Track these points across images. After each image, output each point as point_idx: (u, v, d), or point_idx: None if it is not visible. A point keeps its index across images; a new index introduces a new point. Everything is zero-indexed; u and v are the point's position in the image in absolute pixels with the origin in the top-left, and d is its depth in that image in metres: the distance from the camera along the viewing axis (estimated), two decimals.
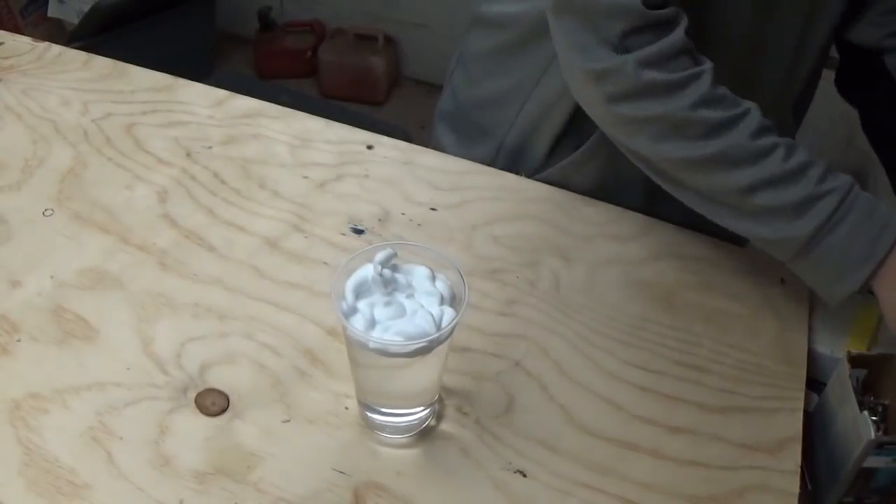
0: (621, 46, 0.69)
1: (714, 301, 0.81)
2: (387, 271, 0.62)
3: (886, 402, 0.71)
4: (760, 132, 0.70)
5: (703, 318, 0.79)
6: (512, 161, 0.96)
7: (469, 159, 0.96)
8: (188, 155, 0.92)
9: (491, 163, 0.95)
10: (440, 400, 0.70)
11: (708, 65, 0.70)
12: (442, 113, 1.07)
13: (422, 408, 0.67)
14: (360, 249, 0.63)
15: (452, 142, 1.04)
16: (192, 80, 1.03)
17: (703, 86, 0.69)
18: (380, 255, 0.62)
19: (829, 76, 2.23)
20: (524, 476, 0.66)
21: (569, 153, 0.91)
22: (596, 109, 0.75)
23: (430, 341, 0.60)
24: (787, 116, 0.94)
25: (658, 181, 0.76)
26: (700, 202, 0.74)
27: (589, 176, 0.92)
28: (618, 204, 0.90)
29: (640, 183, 0.84)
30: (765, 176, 0.69)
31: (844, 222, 0.68)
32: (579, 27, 0.70)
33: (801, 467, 0.69)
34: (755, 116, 0.71)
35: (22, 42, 1.06)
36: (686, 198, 0.75)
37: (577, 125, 0.86)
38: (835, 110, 2.39)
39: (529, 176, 0.93)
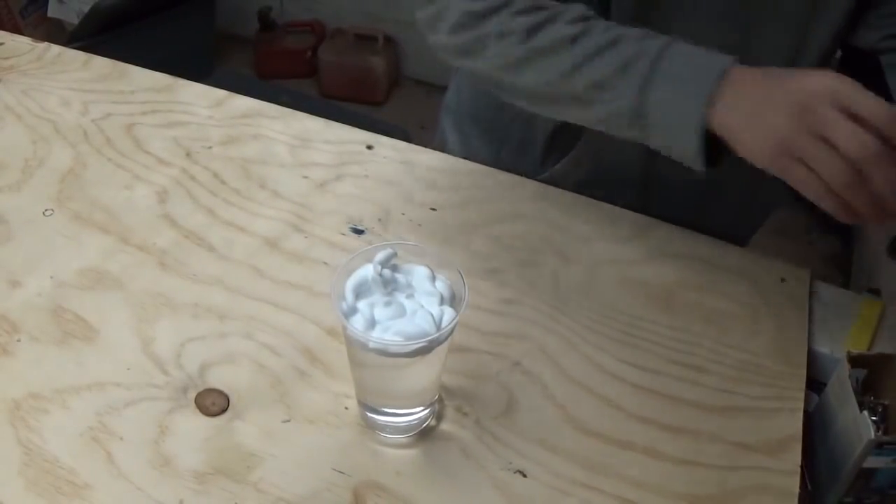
0: None
1: (714, 301, 0.81)
2: (387, 271, 0.62)
3: (886, 402, 0.71)
4: (577, 19, 0.72)
5: (702, 318, 0.79)
6: (515, 158, 0.96)
7: (472, 157, 0.96)
8: (188, 155, 0.92)
9: (494, 161, 0.95)
10: (440, 400, 0.70)
11: None
12: (447, 108, 1.06)
13: (422, 408, 0.67)
14: (360, 249, 0.63)
15: (456, 139, 1.04)
16: (192, 80, 1.03)
17: (518, 3, 0.74)
18: (380, 255, 0.62)
19: None
20: (524, 476, 0.66)
21: (566, 149, 0.91)
22: (441, 51, 0.81)
23: (430, 341, 0.60)
24: None
25: (504, 97, 0.80)
26: (539, 102, 0.77)
27: (583, 175, 0.92)
28: (614, 201, 0.90)
29: (634, 179, 0.84)
30: (584, 53, 0.71)
31: (666, 73, 0.67)
32: None
33: (801, 467, 0.69)
34: (575, 8, 0.73)
35: (22, 42, 1.06)
36: (530, 104, 0.79)
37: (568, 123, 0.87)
38: None
39: (531, 176, 0.93)
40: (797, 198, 0.69)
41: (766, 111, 0.62)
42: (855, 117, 0.57)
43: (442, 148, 1.02)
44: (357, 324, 0.60)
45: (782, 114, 0.60)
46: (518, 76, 0.76)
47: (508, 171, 0.94)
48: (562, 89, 0.73)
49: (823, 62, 0.86)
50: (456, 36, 0.77)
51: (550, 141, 0.93)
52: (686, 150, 0.68)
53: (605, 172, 0.91)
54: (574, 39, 0.72)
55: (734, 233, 0.93)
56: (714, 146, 0.68)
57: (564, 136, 0.92)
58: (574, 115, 0.76)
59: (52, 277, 0.77)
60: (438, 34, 0.79)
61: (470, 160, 0.95)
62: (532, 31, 0.73)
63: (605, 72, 0.70)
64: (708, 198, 0.94)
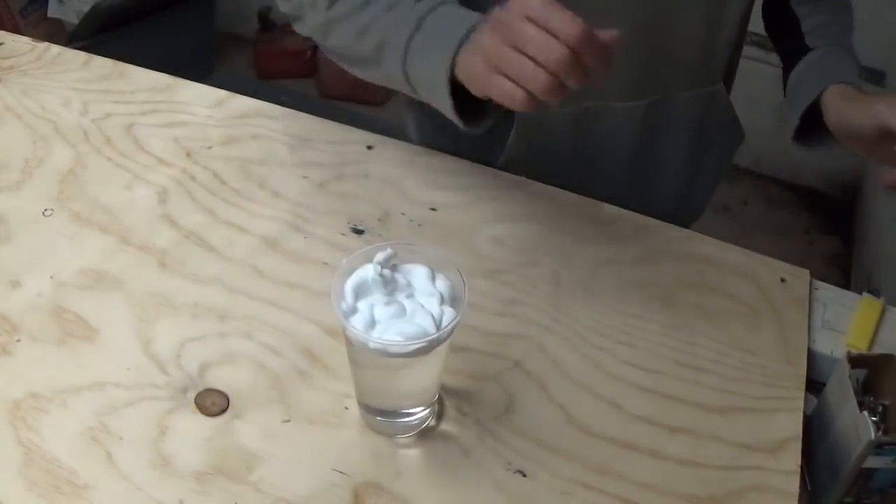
0: None
1: (714, 301, 0.81)
2: (387, 271, 0.62)
3: (886, 402, 0.71)
4: None
5: (703, 318, 0.79)
6: (474, 148, 0.94)
7: (433, 145, 0.95)
8: (188, 155, 0.92)
9: (455, 150, 0.94)
10: (440, 400, 0.70)
11: None
12: (406, 102, 1.04)
13: (422, 408, 0.67)
14: (360, 249, 0.63)
15: (415, 128, 1.04)
16: (192, 80, 1.03)
17: None
18: (380, 256, 0.62)
19: None
20: (524, 476, 0.66)
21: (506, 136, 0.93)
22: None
23: (430, 341, 0.60)
24: (716, 66, 0.93)
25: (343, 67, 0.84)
26: (346, 63, 0.83)
27: (524, 159, 0.93)
28: (559, 183, 0.91)
29: (568, 159, 0.89)
30: (365, 21, 0.76)
31: (418, 45, 0.72)
32: None
33: (801, 467, 0.69)
34: None
35: (22, 42, 1.06)
36: (342, 64, 0.84)
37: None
38: None
39: (491, 165, 0.93)
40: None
41: (473, 38, 0.67)
42: (547, 30, 0.61)
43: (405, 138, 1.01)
44: (357, 324, 0.60)
45: (485, 35, 0.64)
46: (326, 40, 0.82)
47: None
48: (354, 54, 0.80)
49: (743, 25, 0.91)
50: (285, 4, 0.84)
51: (498, 129, 0.90)
52: (446, 111, 0.72)
53: (542, 154, 0.92)
54: (360, 7, 0.77)
55: (680, 209, 0.98)
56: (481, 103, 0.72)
57: (505, 124, 0.91)
58: (372, 76, 0.80)
59: (52, 277, 0.77)
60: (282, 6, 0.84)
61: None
62: (330, 5, 0.79)
63: (381, 38, 0.75)
64: (644, 174, 0.96)
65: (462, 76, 0.69)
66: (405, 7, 0.74)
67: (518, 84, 0.62)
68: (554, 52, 0.60)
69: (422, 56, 0.72)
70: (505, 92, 0.63)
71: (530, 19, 0.61)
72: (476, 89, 0.67)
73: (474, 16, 0.70)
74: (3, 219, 0.83)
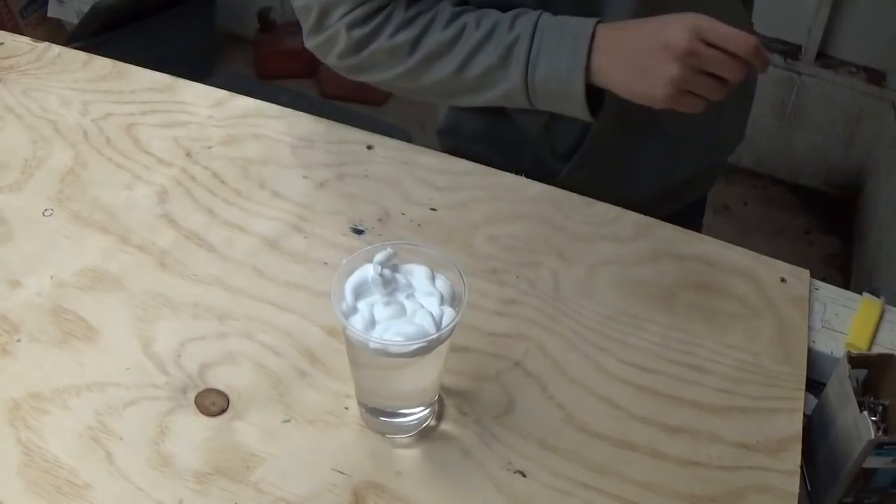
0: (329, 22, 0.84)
1: (714, 301, 0.81)
2: (387, 271, 0.62)
3: (886, 402, 0.71)
4: (450, 20, 0.81)
5: (702, 318, 0.79)
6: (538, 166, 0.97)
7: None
8: (188, 155, 0.92)
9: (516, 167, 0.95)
10: (440, 400, 0.70)
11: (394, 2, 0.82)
12: (442, 132, 1.05)
13: (422, 408, 0.67)
14: (360, 249, 0.63)
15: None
16: (192, 80, 1.03)
17: (396, 18, 0.82)
18: (380, 255, 0.62)
19: (829, 76, 2.24)
20: (524, 476, 0.66)
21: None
22: (336, 70, 0.90)
23: (430, 341, 0.60)
24: None
25: (407, 96, 0.90)
26: (442, 95, 0.87)
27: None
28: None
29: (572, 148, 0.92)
30: (465, 52, 0.80)
31: (542, 52, 0.77)
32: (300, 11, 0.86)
33: (801, 467, 0.69)
34: (445, 11, 0.82)
35: (22, 42, 1.06)
36: (434, 98, 0.89)
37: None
38: (835, 110, 2.40)
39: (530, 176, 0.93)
40: None
41: (652, 64, 0.72)
42: (723, 49, 0.70)
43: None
44: (357, 324, 0.60)
45: (669, 64, 0.71)
46: (414, 83, 0.85)
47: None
48: (455, 86, 0.83)
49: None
50: (347, 60, 0.86)
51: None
52: (575, 110, 0.79)
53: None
54: (453, 42, 0.81)
55: (697, 181, 1.03)
56: (595, 96, 0.79)
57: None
58: (471, 102, 0.85)
59: (52, 277, 0.77)
60: (331, 58, 0.88)
61: None
62: (414, 43, 0.82)
63: (490, 63, 0.80)
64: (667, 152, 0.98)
65: (607, 86, 0.77)
66: (504, 28, 0.79)
67: (691, 77, 0.71)
68: (737, 70, 0.70)
69: (547, 65, 0.77)
70: (689, 104, 0.73)
71: (706, 41, 0.70)
72: (656, 104, 0.74)
73: (589, 22, 0.77)
74: (3, 219, 0.83)
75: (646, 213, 0.90)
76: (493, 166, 0.94)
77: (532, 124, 0.93)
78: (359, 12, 0.82)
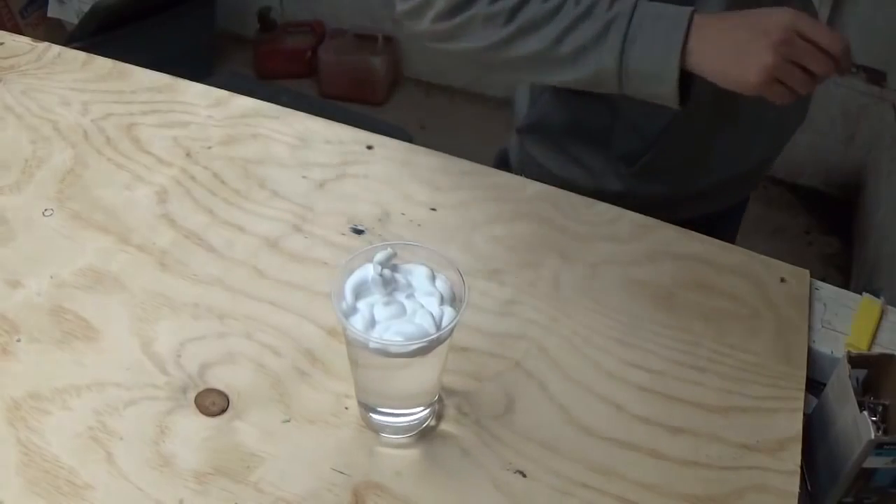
0: None
1: (714, 301, 0.81)
2: (387, 271, 0.62)
3: (886, 402, 0.71)
4: None
5: (703, 318, 0.79)
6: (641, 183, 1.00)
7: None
8: (188, 155, 0.92)
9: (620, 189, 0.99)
10: (440, 400, 0.70)
11: None
12: (527, 129, 1.06)
13: (422, 408, 0.67)
14: (360, 249, 0.63)
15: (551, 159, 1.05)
16: (192, 80, 1.03)
17: None
18: (380, 255, 0.62)
19: None
20: (524, 476, 0.66)
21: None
22: (422, 36, 0.88)
23: (430, 341, 0.60)
24: None
25: (491, 72, 0.89)
26: (529, 70, 0.85)
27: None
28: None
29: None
30: (563, 26, 0.80)
31: (640, 33, 0.78)
32: None
33: (801, 467, 0.69)
34: None
35: (22, 42, 1.06)
36: (519, 73, 0.90)
37: None
38: (835, 110, 2.40)
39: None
40: None
41: (748, 51, 0.75)
42: (817, 45, 0.74)
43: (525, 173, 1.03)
44: (357, 324, 0.60)
45: (765, 51, 0.74)
46: (505, 52, 0.83)
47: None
48: (545, 61, 0.82)
49: None
50: (441, 23, 0.84)
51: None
52: (664, 96, 0.80)
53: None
54: (552, 15, 0.80)
55: (755, 172, 1.09)
56: (683, 85, 0.79)
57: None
58: (556, 78, 0.84)
59: (52, 277, 0.77)
60: (423, 23, 0.85)
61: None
62: (512, 13, 0.81)
63: (586, 39, 0.79)
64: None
65: (701, 72, 0.78)
66: (603, 7, 0.79)
67: (783, 66, 0.75)
68: (827, 66, 0.74)
69: (643, 46, 0.78)
70: (778, 94, 0.76)
71: (801, 35, 0.74)
72: (746, 90, 0.77)
73: (686, 10, 0.78)
74: (3, 219, 0.83)
75: (701, 209, 0.99)
76: (576, 157, 0.99)
77: (623, 105, 0.94)
78: None
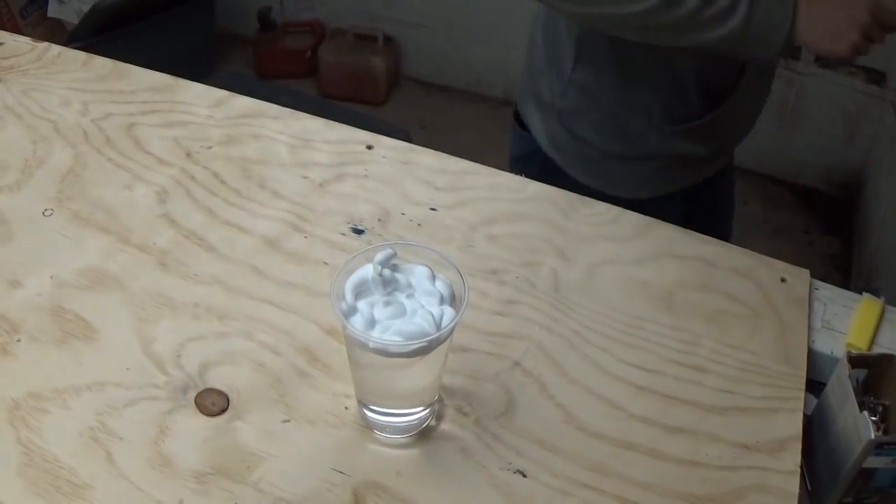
0: None
1: (714, 301, 0.81)
2: (387, 271, 0.62)
3: (886, 402, 0.71)
4: None
5: (703, 318, 0.79)
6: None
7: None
8: (188, 155, 0.92)
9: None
10: (440, 400, 0.70)
11: None
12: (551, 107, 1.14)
13: (422, 408, 0.67)
14: (360, 249, 0.63)
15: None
16: (192, 80, 1.03)
17: None
18: (380, 255, 0.62)
19: (829, 76, 2.23)
20: (524, 476, 0.66)
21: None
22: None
23: (430, 341, 0.60)
24: None
25: (620, 33, 0.98)
26: (667, 34, 0.95)
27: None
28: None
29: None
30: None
31: (762, 4, 0.92)
32: None
33: (801, 467, 0.69)
34: None
35: (22, 42, 1.06)
36: (653, 37, 0.97)
37: None
38: (835, 110, 2.40)
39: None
40: None
41: (840, 29, 0.92)
42: (884, 24, 0.91)
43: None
44: (357, 324, 0.60)
45: (853, 31, 0.91)
46: (655, 19, 0.92)
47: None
48: (690, 24, 0.92)
49: None
50: None
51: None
52: (767, 56, 0.96)
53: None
54: None
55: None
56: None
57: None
58: (689, 43, 0.95)
59: (52, 277, 0.77)
60: None
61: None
62: None
63: (723, 7, 0.91)
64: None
65: (804, 37, 0.92)
66: None
67: (864, 43, 0.92)
68: (884, 40, 0.92)
69: (764, 15, 0.92)
70: (856, 44, 0.92)
71: (878, 19, 0.91)
72: (839, 52, 0.93)
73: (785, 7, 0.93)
74: (3, 219, 0.83)
75: (716, 166, 1.16)
76: (619, 124, 1.09)
77: (690, 69, 1.05)
78: None
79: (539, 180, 0.96)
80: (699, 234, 0.88)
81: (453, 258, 0.65)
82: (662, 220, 0.91)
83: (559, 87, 1.11)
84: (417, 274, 0.63)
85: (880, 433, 0.66)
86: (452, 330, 0.61)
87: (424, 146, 0.97)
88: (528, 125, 1.18)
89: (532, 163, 1.17)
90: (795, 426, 0.71)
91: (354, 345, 0.62)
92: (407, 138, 0.97)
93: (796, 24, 0.92)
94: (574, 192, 0.95)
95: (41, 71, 1.02)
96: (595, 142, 1.12)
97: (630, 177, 1.14)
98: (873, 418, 0.67)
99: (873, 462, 0.67)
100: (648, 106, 1.08)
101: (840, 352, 0.77)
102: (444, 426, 0.69)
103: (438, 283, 0.63)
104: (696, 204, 1.18)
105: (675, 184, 1.16)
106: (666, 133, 1.09)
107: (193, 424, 0.67)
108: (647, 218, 0.89)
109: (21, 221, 0.83)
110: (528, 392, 0.72)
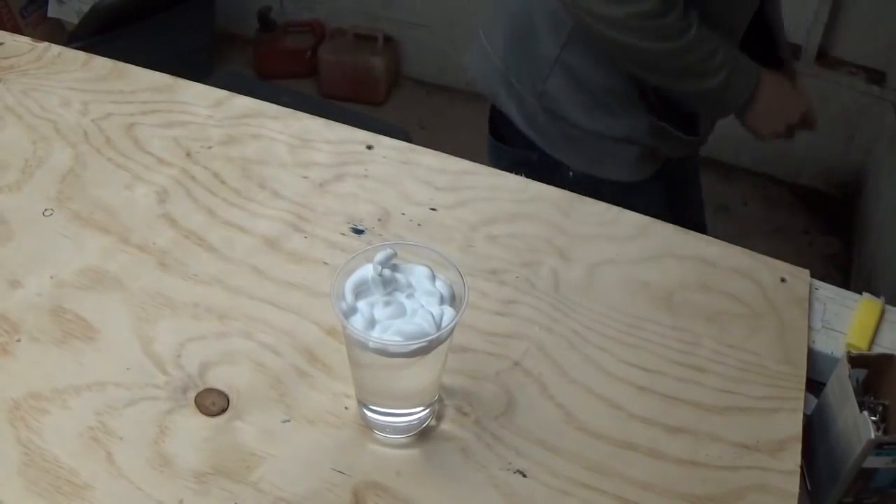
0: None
1: (714, 301, 0.81)
2: (387, 271, 0.62)
3: (886, 402, 0.71)
4: (708, 46, 1.10)
5: (703, 318, 0.79)
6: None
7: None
8: (188, 155, 0.92)
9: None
10: (440, 400, 0.70)
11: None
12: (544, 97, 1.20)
13: (422, 408, 0.67)
14: (360, 249, 0.63)
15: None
16: (192, 80, 1.03)
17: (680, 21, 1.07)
18: (380, 255, 0.62)
19: (829, 76, 2.23)
20: (524, 476, 0.66)
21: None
22: (611, 20, 1.07)
23: (430, 341, 0.60)
24: None
25: (629, 65, 1.13)
26: (672, 77, 1.12)
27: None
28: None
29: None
30: (716, 48, 1.10)
31: (737, 74, 1.12)
32: None
33: (801, 467, 0.69)
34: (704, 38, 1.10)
35: (22, 42, 1.06)
36: (659, 77, 1.13)
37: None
38: (835, 110, 2.40)
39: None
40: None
41: (772, 119, 1.17)
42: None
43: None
44: (357, 323, 0.60)
45: (781, 125, 1.18)
46: (667, 63, 1.09)
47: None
48: (703, 64, 1.10)
49: None
50: (640, 21, 1.04)
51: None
52: (724, 115, 1.19)
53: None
54: (711, 55, 1.10)
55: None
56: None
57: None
58: (692, 84, 1.12)
59: (52, 277, 0.77)
60: (626, 8, 1.04)
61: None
62: (692, 45, 1.08)
63: (724, 60, 1.10)
64: None
65: (751, 109, 1.15)
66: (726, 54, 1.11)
67: (785, 134, 1.18)
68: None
69: (739, 80, 1.13)
70: (779, 134, 1.19)
71: (804, 118, 1.19)
72: (762, 114, 1.16)
73: (758, 69, 1.14)
74: (3, 219, 0.83)
75: (694, 150, 1.30)
76: (606, 103, 1.17)
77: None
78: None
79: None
80: (699, 234, 0.88)
81: (453, 258, 0.65)
82: (645, 202, 0.98)
83: (543, 70, 1.16)
84: (417, 274, 0.63)
85: (880, 433, 0.66)
86: (452, 330, 0.61)
87: (424, 146, 0.97)
88: (504, 110, 1.24)
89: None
90: (795, 426, 0.71)
91: (354, 345, 0.62)
92: (407, 138, 0.97)
93: (750, 106, 1.14)
94: (555, 172, 1.15)
95: (41, 71, 1.02)
96: (581, 122, 1.18)
97: (613, 156, 1.20)
98: (873, 418, 0.67)
99: (873, 462, 0.67)
100: (640, 84, 1.15)
101: (840, 352, 0.77)
102: (444, 426, 0.69)
103: (438, 283, 0.63)
104: (673, 188, 1.27)
105: (657, 162, 1.23)
106: (654, 114, 1.17)
107: (193, 424, 0.67)
108: (647, 218, 0.89)
109: (21, 221, 0.83)
110: (528, 392, 0.72)
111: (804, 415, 0.72)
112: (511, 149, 1.27)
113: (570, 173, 1.21)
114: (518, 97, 1.21)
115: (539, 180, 1.11)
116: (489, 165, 1.24)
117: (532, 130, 1.21)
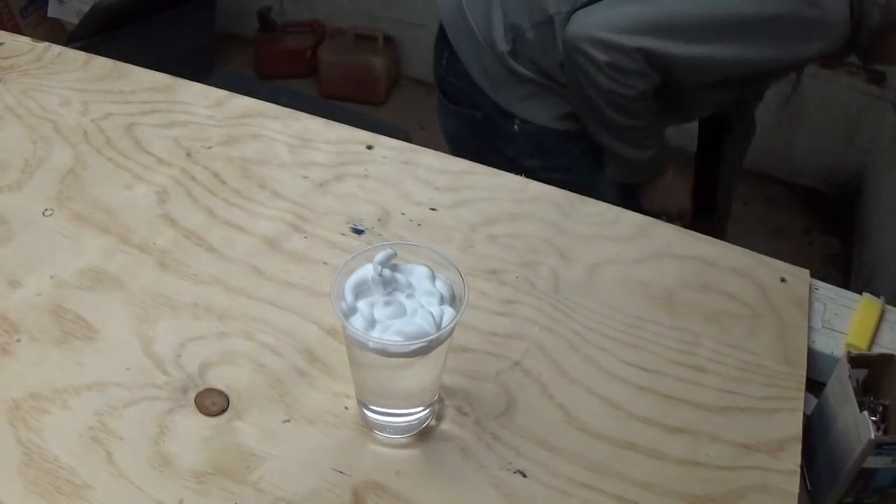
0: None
1: (714, 301, 0.81)
2: (387, 271, 0.62)
3: (886, 402, 0.71)
4: (651, 137, 1.33)
5: (703, 318, 0.79)
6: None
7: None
8: (188, 155, 0.92)
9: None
10: (440, 400, 0.70)
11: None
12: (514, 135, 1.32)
13: (422, 408, 0.67)
14: (360, 249, 0.63)
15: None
16: (192, 80, 1.03)
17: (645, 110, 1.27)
18: (380, 255, 0.62)
19: (829, 76, 2.23)
20: (524, 476, 0.66)
21: None
22: (597, 66, 1.18)
23: (430, 341, 0.60)
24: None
25: (590, 122, 1.28)
26: (613, 139, 1.29)
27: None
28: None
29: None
30: (649, 132, 1.31)
31: (644, 164, 1.35)
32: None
33: (801, 467, 0.69)
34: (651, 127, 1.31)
35: (22, 42, 1.06)
36: (606, 138, 1.29)
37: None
38: (835, 110, 2.40)
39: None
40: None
41: (657, 207, 1.37)
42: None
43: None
44: (357, 324, 0.60)
45: (669, 209, 1.39)
46: (637, 120, 1.25)
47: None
48: (635, 135, 1.29)
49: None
50: (612, 84, 1.17)
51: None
52: (629, 180, 1.38)
53: None
54: (642, 141, 1.32)
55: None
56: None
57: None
58: (619, 152, 1.31)
59: (52, 277, 0.77)
60: (606, 77, 1.17)
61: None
62: (631, 131, 1.27)
63: (653, 143, 1.33)
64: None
65: (650, 185, 1.39)
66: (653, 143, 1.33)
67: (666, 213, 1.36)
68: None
69: (661, 160, 1.36)
70: (664, 209, 1.36)
71: (680, 211, 1.42)
72: (653, 192, 1.39)
73: (659, 170, 1.37)
74: (3, 219, 0.83)
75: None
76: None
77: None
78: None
79: (476, 154, 1.04)
80: (699, 234, 0.88)
81: (453, 258, 0.65)
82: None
83: (510, 34, 1.24)
84: (417, 274, 0.63)
85: (880, 433, 0.66)
86: (452, 330, 0.61)
87: (424, 146, 0.97)
88: (461, 58, 1.31)
89: (466, 137, 1.34)
90: (795, 426, 0.71)
91: (354, 345, 0.62)
92: (407, 138, 0.97)
93: (653, 182, 1.37)
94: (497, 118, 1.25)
95: (41, 71, 1.02)
96: (544, 81, 1.27)
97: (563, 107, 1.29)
98: (873, 418, 0.67)
99: (873, 462, 0.67)
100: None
101: (840, 352, 0.77)
102: (444, 426, 0.69)
103: (438, 283, 0.63)
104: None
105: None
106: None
107: (193, 424, 0.67)
108: (647, 218, 0.89)
109: (21, 221, 0.83)
110: (528, 392, 0.72)
111: (804, 415, 0.72)
112: (457, 107, 1.35)
113: (515, 126, 1.28)
114: (480, 51, 1.28)
115: (483, 137, 1.30)
116: (439, 123, 1.39)
117: (486, 80, 1.29)
